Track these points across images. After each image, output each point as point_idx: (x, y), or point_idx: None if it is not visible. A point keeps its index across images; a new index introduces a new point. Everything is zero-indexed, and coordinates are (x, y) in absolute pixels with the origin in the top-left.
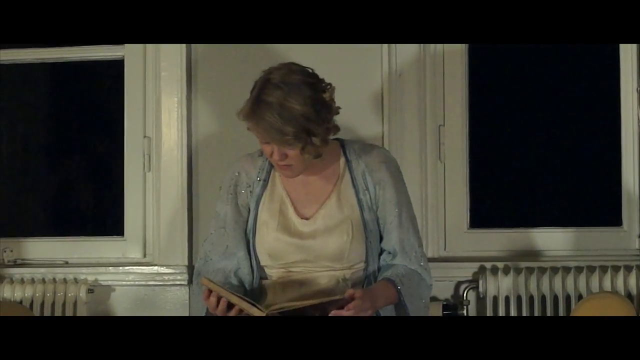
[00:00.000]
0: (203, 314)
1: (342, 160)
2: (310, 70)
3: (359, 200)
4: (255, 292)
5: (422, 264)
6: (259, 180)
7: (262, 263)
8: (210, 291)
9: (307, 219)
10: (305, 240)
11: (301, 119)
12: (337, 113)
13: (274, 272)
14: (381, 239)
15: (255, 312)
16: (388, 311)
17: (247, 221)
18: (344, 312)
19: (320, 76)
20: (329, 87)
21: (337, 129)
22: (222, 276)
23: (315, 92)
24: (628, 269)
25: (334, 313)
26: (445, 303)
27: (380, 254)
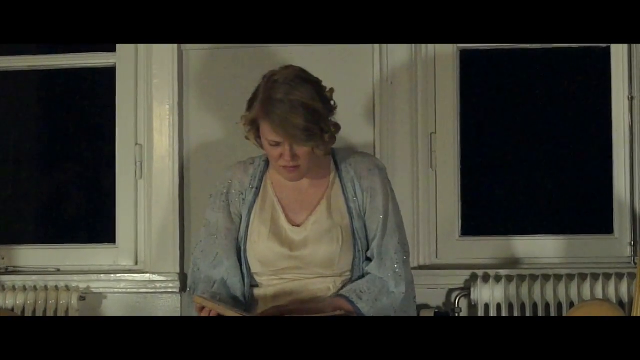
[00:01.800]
0: None
1: (333, 167)
2: (308, 72)
3: (349, 208)
4: (247, 300)
5: (396, 270)
6: (252, 187)
7: (253, 270)
8: (203, 306)
9: (298, 225)
10: (296, 247)
11: (312, 113)
12: (334, 113)
13: (264, 280)
14: (368, 246)
15: None
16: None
17: (239, 229)
18: None
19: None
20: (328, 87)
21: (338, 127)
22: (210, 285)
23: (319, 89)
24: (619, 276)
25: None
26: (437, 311)
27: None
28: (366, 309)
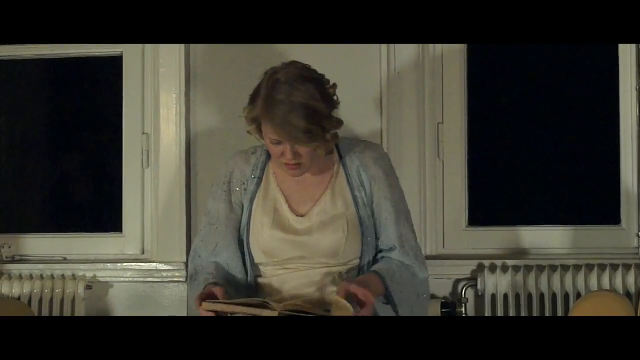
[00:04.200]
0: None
1: (336, 157)
2: (311, 67)
3: (354, 197)
4: (251, 291)
5: (419, 258)
6: (254, 177)
7: (257, 261)
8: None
9: (302, 216)
10: (301, 237)
11: (313, 113)
12: (337, 108)
13: (268, 270)
14: (377, 235)
15: (267, 312)
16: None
17: (241, 219)
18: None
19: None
20: (330, 83)
21: (340, 122)
22: (211, 273)
23: (322, 87)
24: (626, 267)
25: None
26: (443, 301)
27: (379, 250)
28: (397, 292)
